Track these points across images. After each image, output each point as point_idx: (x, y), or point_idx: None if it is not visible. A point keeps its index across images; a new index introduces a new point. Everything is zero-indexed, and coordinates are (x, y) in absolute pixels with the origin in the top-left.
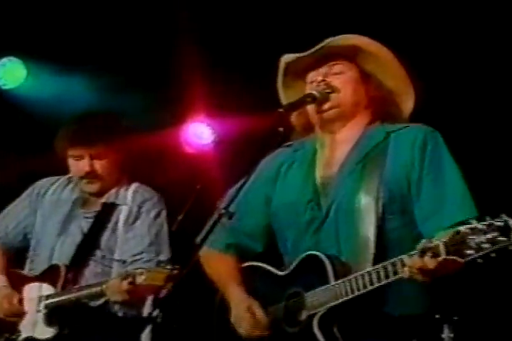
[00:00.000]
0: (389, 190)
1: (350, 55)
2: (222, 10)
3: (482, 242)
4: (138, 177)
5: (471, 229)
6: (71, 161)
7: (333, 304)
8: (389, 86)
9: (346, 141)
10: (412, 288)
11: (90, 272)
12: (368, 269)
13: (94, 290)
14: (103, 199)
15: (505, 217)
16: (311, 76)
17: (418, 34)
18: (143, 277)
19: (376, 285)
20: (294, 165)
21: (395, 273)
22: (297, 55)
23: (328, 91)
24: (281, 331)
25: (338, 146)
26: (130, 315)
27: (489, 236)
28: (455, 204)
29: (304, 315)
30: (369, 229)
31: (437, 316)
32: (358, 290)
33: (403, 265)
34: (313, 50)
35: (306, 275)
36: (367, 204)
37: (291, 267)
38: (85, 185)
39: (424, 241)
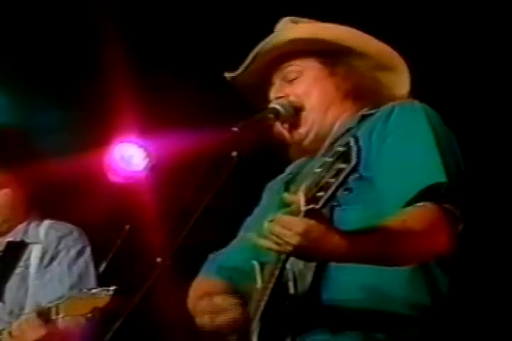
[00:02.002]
0: None
1: (299, 48)
2: (156, 13)
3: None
4: (49, 214)
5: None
6: None
7: None
8: (363, 64)
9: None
10: None
11: None
12: None
13: None
14: (8, 238)
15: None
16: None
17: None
18: (61, 308)
19: None
20: None
21: None
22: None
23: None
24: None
25: None
26: None
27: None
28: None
29: None
30: None
31: None
32: None
33: None
34: (248, 60)
35: None
36: None
37: None
38: None
39: None
